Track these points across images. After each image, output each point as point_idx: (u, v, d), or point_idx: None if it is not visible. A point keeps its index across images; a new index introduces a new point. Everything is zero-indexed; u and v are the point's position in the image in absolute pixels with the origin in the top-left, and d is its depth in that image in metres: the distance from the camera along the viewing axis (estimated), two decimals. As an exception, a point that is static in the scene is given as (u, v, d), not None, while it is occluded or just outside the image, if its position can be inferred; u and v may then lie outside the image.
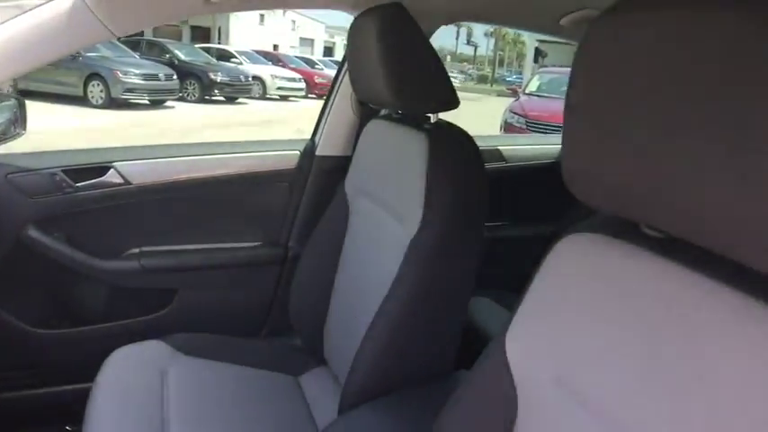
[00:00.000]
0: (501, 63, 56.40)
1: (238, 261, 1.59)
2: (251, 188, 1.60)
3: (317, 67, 16.62)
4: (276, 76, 13.99)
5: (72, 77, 9.31)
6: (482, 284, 1.19)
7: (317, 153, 1.61)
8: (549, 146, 2.19)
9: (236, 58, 14.22)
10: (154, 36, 13.18)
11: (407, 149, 1.08)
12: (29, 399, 1.43)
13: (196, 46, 14.46)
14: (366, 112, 1.58)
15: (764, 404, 0.43)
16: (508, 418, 0.67)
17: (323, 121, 1.63)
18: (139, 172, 1.45)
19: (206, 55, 13.08)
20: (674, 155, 0.45)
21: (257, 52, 15.80)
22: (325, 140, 1.61)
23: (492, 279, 1.45)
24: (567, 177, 0.59)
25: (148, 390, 1.13)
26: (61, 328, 1.44)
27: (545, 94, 8.57)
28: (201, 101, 11.68)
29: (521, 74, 34.59)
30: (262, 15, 26.48)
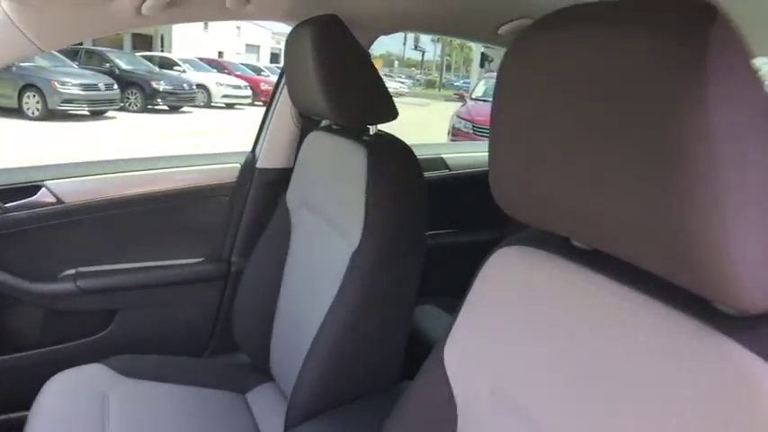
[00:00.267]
0: (448, 68, 57.06)
1: (180, 278, 1.55)
2: (191, 203, 1.56)
3: (263, 73, 16.37)
4: (221, 84, 13.71)
5: (6, 89, 8.92)
6: (427, 291, 1.20)
7: (258, 166, 1.59)
8: None
9: (180, 66, 13.88)
10: (93, 45, 12.73)
11: (347, 162, 1.08)
12: None
13: (137, 54, 14.03)
14: (307, 122, 1.57)
15: (693, 413, 0.44)
16: (449, 430, 0.68)
17: (263, 132, 1.61)
18: (73, 190, 1.40)
19: (148, 63, 12.71)
20: (589, 170, 0.46)
21: (201, 60, 15.45)
22: (265, 153, 1.59)
23: (437, 285, 1.46)
24: (495, 193, 0.59)
25: (88, 415, 1.08)
26: None
27: (491, 99, 8.69)
28: (144, 110, 11.34)
29: (468, 78, 35.13)
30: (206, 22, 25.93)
